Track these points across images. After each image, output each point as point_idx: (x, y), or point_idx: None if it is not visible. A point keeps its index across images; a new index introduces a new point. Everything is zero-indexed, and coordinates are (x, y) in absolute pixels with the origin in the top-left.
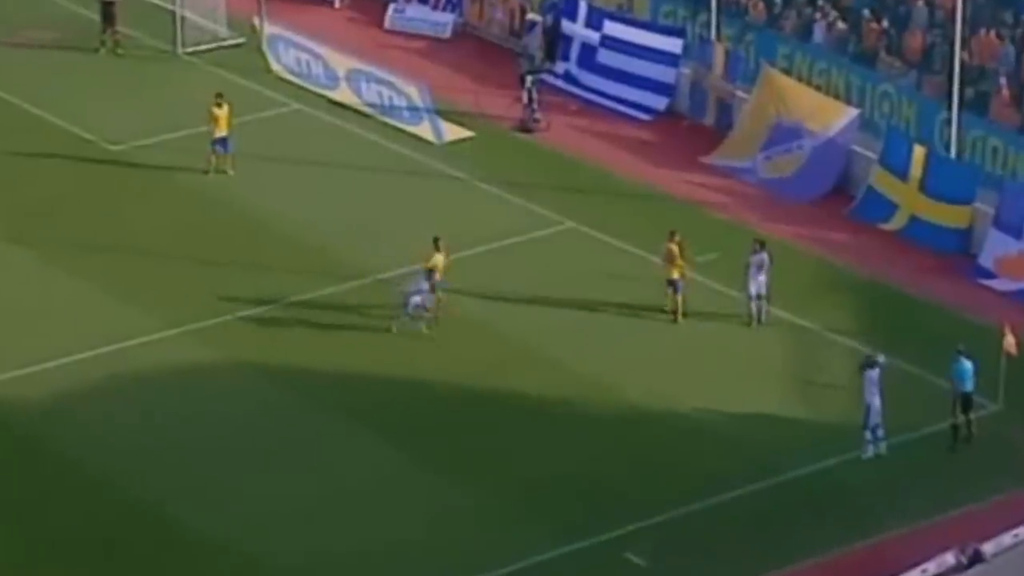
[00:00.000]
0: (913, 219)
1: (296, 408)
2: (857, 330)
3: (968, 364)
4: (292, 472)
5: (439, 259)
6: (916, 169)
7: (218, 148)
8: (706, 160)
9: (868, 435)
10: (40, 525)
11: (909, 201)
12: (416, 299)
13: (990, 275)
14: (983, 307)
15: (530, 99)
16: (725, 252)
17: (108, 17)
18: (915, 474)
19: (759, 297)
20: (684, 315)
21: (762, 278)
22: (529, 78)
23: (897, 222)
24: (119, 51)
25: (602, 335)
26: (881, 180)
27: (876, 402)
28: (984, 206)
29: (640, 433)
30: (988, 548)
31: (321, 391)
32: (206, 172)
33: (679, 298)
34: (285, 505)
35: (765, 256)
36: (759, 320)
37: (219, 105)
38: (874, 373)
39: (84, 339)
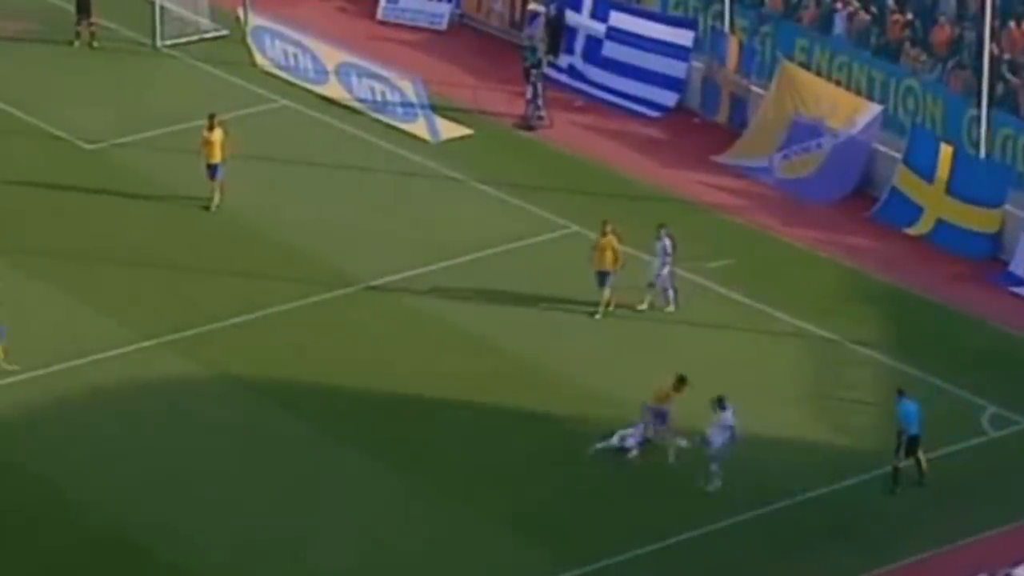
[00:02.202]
0: (939, 222)
1: (281, 423)
2: (880, 341)
3: (912, 405)
4: (277, 490)
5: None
6: (942, 169)
7: (207, 174)
8: (719, 159)
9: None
10: (7, 543)
11: (935, 203)
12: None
13: (1022, 282)
14: (1014, 316)
15: (534, 95)
16: (740, 257)
17: (83, 7)
18: (941, 494)
19: (651, 285)
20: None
21: (661, 266)
22: (533, 72)
23: (923, 226)
24: (95, 44)
25: (609, 346)
26: (905, 181)
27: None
28: (1015, 209)
29: (649, 452)
30: (1020, 573)
31: (307, 405)
32: (207, 208)
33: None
34: (269, 524)
35: (668, 242)
36: (651, 306)
37: (211, 128)
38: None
39: (56, 351)
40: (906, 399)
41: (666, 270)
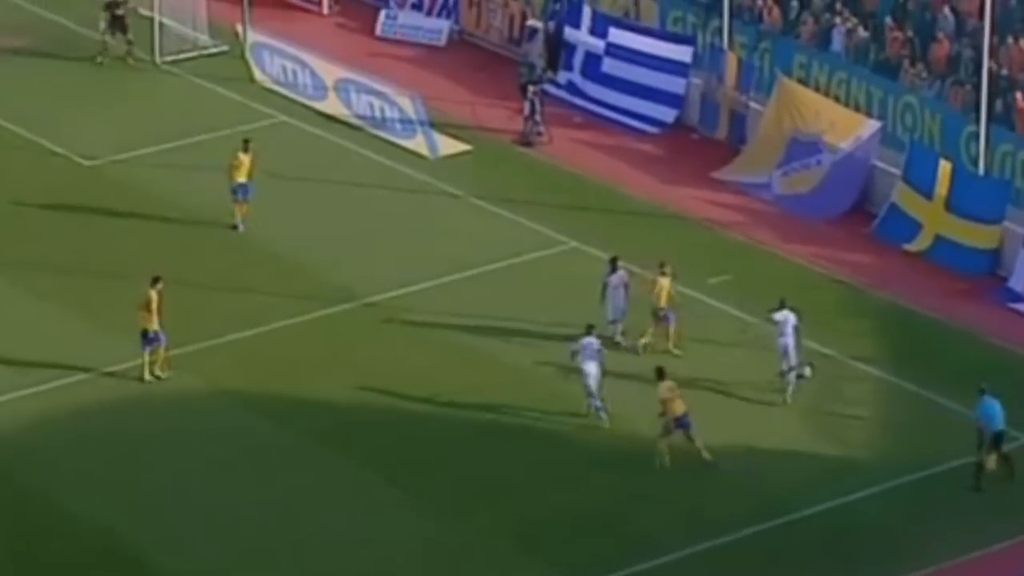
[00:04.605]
0: (938, 239)
1: (280, 438)
2: (879, 357)
3: (994, 402)
4: (275, 504)
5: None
6: (941, 186)
7: (240, 195)
8: (718, 176)
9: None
10: (9, 560)
11: (934, 220)
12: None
13: (1021, 299)
14: (1014, 333)
15: (532, 111)
16: (739, 273)
17: (119, 24)
18: (939, 510)
19: (614, 321)
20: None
21: (621, 299)
22: (531, 88)
23: (921, 242)
24: (131, 61)
25: (608, 363)
26: (904, 197)
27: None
28: (1014, 225)
29: (648, 467)
30: None
31: (306, 420)
32: (234, 227)
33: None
34: (268, 538)
35: (624, 274)
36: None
37: (245, 150)
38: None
39: (55, 366)
40: (987, 396)
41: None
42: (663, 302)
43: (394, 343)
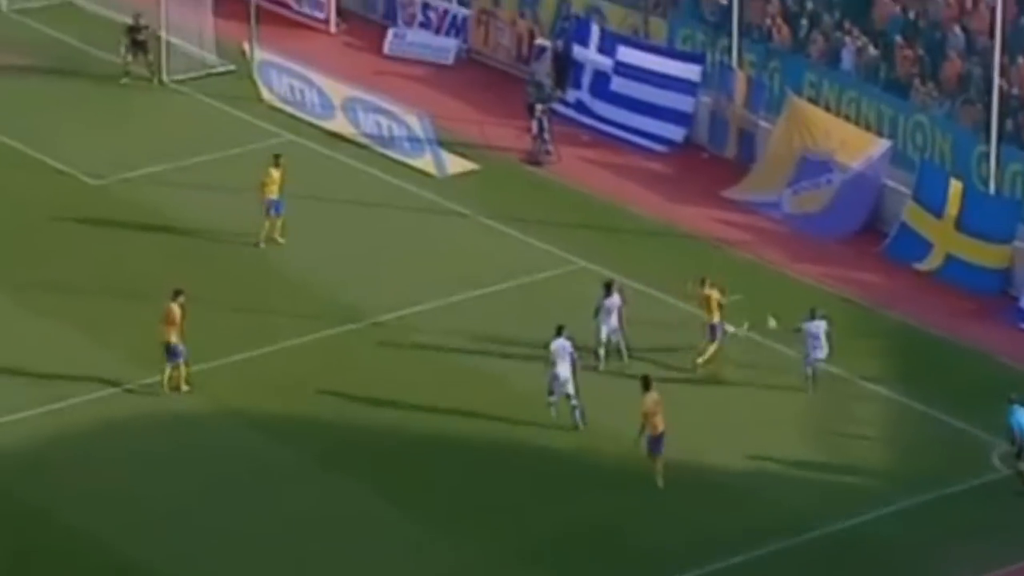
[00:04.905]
0: (949, 258)
1: (285, 458)
2: (890, 377)
3: None
4: (281, 524)
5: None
6: (952, 205)
7: (272, 212)
8: (728, 195)
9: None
10: None
11: (945, 239)
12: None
13: None
14: None
15: (540, 130)
16: (749, 293)
17: (140, 45)
18: (950, 531)
19: (608, 342)
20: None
21: (613, 322)
22: (538, 107)
23: (932, 262)
24: (156, 80)
25: (617, 384)
26: (914, 217)
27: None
28: None
29: (651, 484)
30: None
31: (312, 440)
32: (256, 244)
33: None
34: (273, 558)
35: (617, 298)
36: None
37: (276, 165)
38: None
39: (60, 387)
40: (1017, 406)
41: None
42: (714, 316)
43: (400, 363)
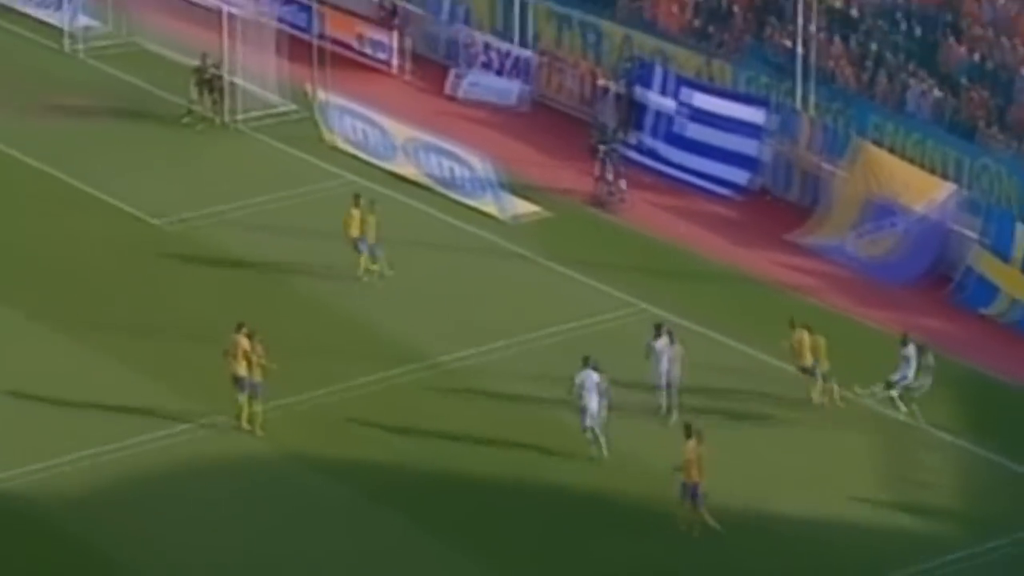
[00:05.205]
0: (1017, 303)
1: (346, 500)
2: (958, 425)
3: None
4: (343, 568)
5: None
6: (1020, 249)
7: (359, 248)
8: (793, 239)
9: None
10: None
11: (1012, 284)
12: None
13: None
14: None
15: (603, 172)
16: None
17: (212, 85)
18: None
19: (668, 386)
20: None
21: (668, 367)
22: (601, 149)
23: (1000, 307)
24: (218, 121)
25: (679, 428)
26: (982, 262)
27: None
28: None
29: (721, 536)
30: None
31: (371, 483)
32: (360, 277)
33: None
34: None
35: (671, 342)
36: (668, 411)
37: (356, 205)
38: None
39: (126, 427)
40: None
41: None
42: (807, 358)
43: (461, 405)
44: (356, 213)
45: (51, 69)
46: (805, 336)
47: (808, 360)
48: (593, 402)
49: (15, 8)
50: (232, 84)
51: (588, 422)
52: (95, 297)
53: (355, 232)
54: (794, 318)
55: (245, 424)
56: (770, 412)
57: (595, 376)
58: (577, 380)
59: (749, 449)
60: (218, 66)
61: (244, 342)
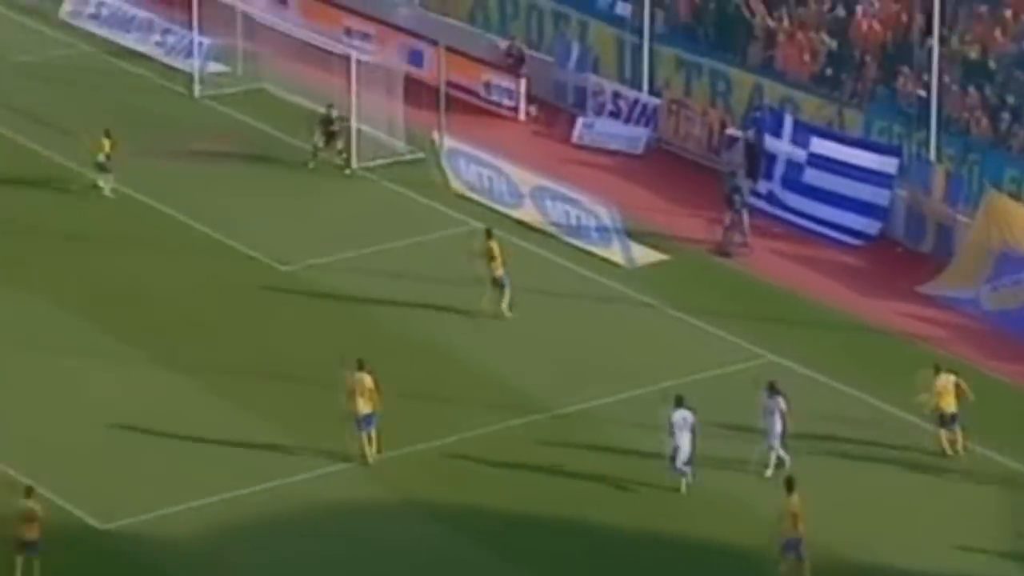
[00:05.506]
0: None
1: (463, 550)
2: None
3: None
4: None
5: None
6: None
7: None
8: (924, 290)
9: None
10: None
11: None
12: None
13: None
14: None
15: (735, 222)
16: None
17: (335, 133)
18: None
19: (771, 446)
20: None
21: (776, 426)
22: (738, 199)
23: None
24: (347, 171)
25: (805, 479)
26: None
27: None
28: None
29: None
30: None
31: (491, 534)
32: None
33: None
34: None
35: (781, 400)
36: (768, 466)
37: (489, 237)
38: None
39: (243, 473)
40: None
41: None
42: (951, 404)
43: (585, 456)
44: (494, 246)
45: (180, 114)
46: (951, 382)
47: (953, 406)
48: (686, 441)
49: (146, 54)
50: (358, 130)
51: (680, 463)
52: (219, 340)
53: (499, 270)
54: (938, 363)
55: (370, 459)
56: (893, 462)
57: (689, 416)
58: (673, 418)
59: (869, 499)
60: (345, 117)
61: (367, 380)
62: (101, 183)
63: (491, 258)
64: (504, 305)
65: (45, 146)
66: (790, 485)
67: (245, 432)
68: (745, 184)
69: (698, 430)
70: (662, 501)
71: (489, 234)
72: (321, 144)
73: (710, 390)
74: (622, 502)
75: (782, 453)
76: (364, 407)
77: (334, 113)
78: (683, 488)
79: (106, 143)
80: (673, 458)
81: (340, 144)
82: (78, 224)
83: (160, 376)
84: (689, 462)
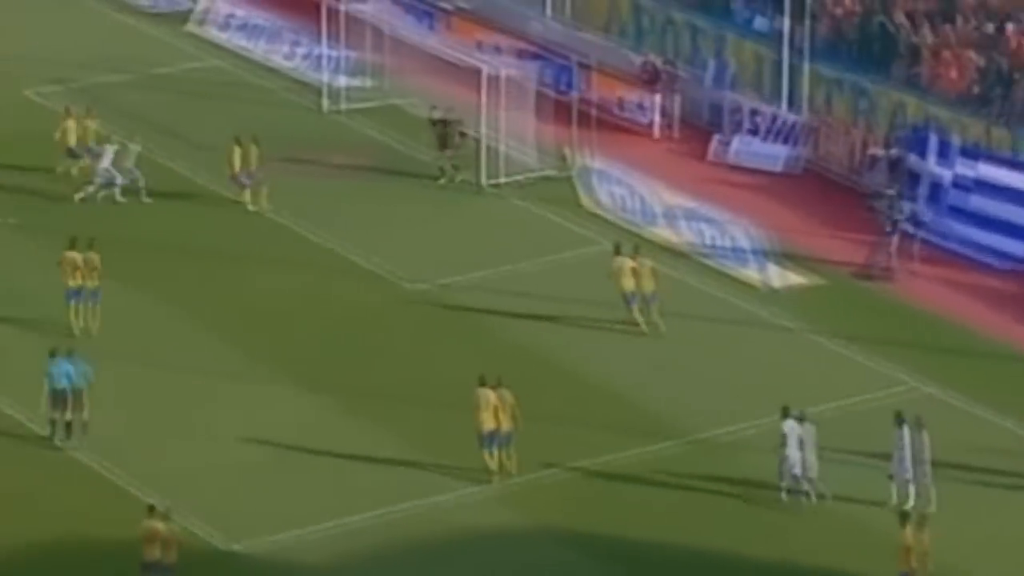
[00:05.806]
0: None
1: None
2: None
3: None
4: None
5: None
6: None
7: (630, 302)
8: None
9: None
10: None
11: None
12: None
13: None
14: None
15: (881, 244)
16: None
17: (443, 140)
18: None
19: (907, 481)
20: None
21: (902, 458)
22: (896, 222)
23: None
24: (459, 178)
25: (949, 511)
26: None
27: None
28: None
29: None
30: None
31: (625, 561)
32: (636, 325)
33: None
34: None
35: (906, 431)
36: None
37: (617, 252)
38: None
39: (376, 497)
40: None
41: None
42: None
43: (724, 483)
44: (626, 264)
45: (309, 129)
46: None
47: None
48: (795, 452)
49: (276, 68)
50: (489, 147)
51: (788, 473)
52: (350, 361)
53: (629, 286)
54: None
55: (498, 477)
56: None
57: (796, 426)
58: (784, 429)
59: (1017, 535)
60: (457, 120)
61: (491, 396)
62: (245, 198)
63: (621, 271)
64: (642, 322)
65: (181, 160)
66: (904, 518)
67: (378, 452)
68: (902, 206)
69: (809, 442)
70: (797, 530)
71: (617, 249)
72: (446, 153)
73: (850, 418)
74: (756, 530)
75: (910, 486)
76: (488, 423)
77: (436, 115)
78: (808, 500)
79: (251, 156)
80: (781, 473)
81: (449, 152)
82: (210, 240)
83: (295, 395)
84: (805, 476)
